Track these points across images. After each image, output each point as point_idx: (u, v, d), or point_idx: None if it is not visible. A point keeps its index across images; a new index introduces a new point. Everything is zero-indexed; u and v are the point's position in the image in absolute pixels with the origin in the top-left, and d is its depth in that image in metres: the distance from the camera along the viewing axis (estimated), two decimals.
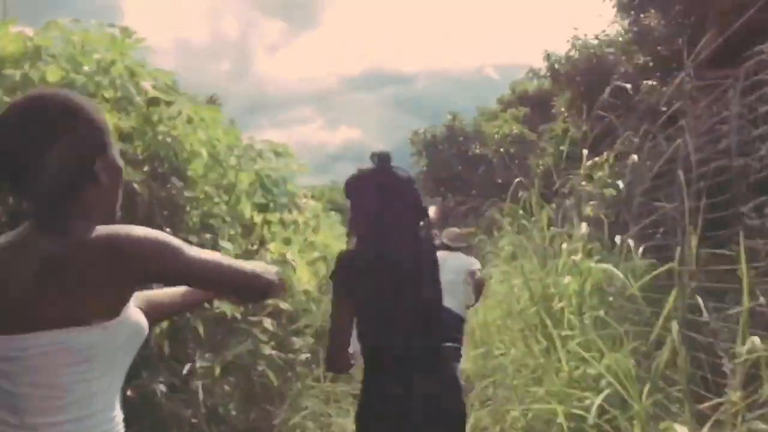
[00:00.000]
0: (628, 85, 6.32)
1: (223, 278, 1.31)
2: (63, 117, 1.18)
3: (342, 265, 2.13)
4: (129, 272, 1.17)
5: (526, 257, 5.84)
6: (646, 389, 3.00)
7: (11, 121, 1.18)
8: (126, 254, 1.15)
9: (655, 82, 7.98)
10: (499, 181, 23.16)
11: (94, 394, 1.17)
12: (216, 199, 3.47)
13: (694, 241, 2.91)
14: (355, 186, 2.24)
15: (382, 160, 2.18)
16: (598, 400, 2.93)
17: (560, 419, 3.29)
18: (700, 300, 2.94)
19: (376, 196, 2.15)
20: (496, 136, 25.75)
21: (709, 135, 3.43)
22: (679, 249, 3.02)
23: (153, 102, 2.99)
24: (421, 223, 2.23)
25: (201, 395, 3.09)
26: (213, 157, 3.43)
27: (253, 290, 1.39)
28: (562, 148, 5.45)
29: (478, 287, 5.26)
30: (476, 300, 5.40)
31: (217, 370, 3.23)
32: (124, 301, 1.19)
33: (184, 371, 3.04)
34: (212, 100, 16.23)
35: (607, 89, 4.88)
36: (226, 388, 3.44)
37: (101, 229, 1.16)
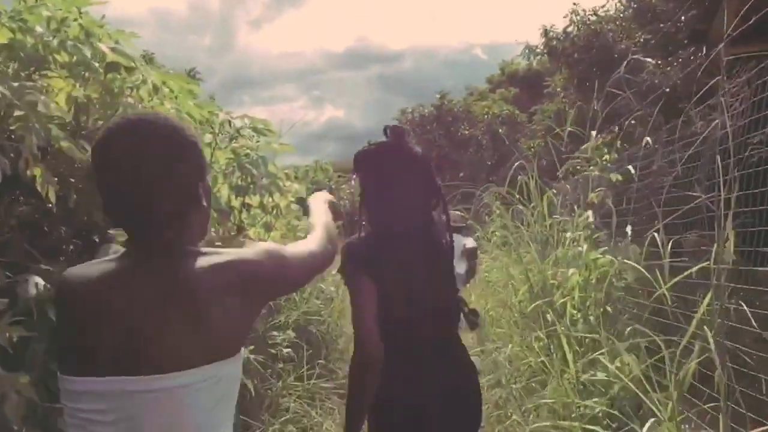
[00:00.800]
0: (649, 59, 5.94)
1: (316, 269, 1.37)
2: (173, 144, 1.13)
3: (353, 250, 1.97)
4: (263, 297, 1.18)
5: (522, 245, 5.50)
6: (671, 402, 2.66)
7: (122, 150, 1.10)
8: (257, 281, 1.13)
9: (659, 61, 7.65)
10: (489, 162, 22.83)
11: None
12: None
13: (731, 236, 2.56)
14: (366, 160, 2.04)
15: (395, 134, 2.00)
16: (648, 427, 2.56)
17: None
18: (744, 306, 2.60)
19: (388, 172, 2.00)
20: (485, 116, 25.35)
21: (751, 115, 3.06)
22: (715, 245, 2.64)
23: (111, 68, 2.58)
24: (435, 201, 2.07)
25: None
26: None
27: (327, 263, 1.44)
28: (570, 129, 5.04)
29: (471, 257, 4.97)
30: (470, 269, 5.09)
31: None
32: (252, 325, 1.18)
33: None
34: (192, 74, 15.67)
35: (623, 64, 4.48)
36: None
37: (218, 256, 1.12)
